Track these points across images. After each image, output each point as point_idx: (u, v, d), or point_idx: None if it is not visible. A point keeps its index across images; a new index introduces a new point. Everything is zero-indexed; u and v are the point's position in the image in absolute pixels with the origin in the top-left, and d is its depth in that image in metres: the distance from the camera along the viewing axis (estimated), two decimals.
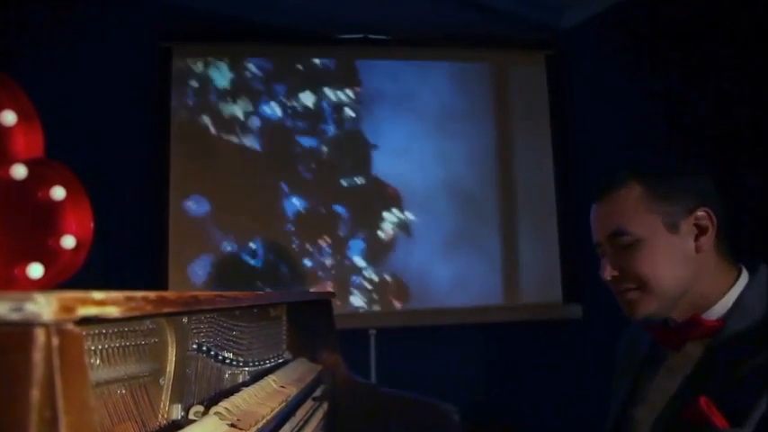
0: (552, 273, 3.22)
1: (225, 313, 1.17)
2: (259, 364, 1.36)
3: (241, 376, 1.25)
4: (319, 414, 1.42)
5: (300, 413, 1.27)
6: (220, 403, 0.98)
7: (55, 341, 0.43)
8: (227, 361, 1.17)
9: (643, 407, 1.19)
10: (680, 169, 1.20)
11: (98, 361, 0.74)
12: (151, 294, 0.56)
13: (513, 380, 3.07)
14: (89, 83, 2.68)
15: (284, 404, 1.17)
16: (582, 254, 3.12)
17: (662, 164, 1.23)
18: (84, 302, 0.46)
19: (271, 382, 1.24)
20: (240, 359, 1.24)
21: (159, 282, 2.75)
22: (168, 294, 0.59)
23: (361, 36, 3.14)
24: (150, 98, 2.90)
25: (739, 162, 2.36)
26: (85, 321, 0.47)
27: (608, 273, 1.16)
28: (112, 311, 0.49)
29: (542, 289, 3.20)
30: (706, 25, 2.51)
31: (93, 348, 0.72)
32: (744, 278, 1.14)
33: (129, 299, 0.52)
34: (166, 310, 0.60)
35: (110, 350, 0.76)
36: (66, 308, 0.44)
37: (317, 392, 1.49)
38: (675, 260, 1.12)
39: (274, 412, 1.09)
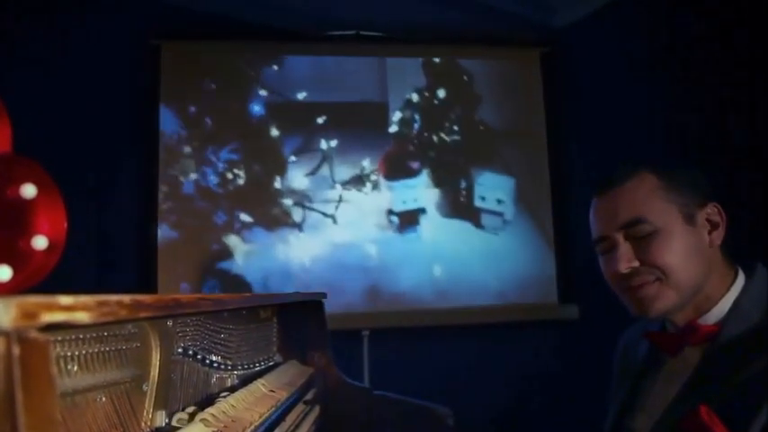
0: (548, 273, 3.19)
1: (212, 315, 1.13)
2: (248, 368, 1.32)
3: (229, 380, 1.21)
4: (310, 418, 1.39)
5: (291, 418, 1.24)
6: (206, 409, 0.95)
7: (16, 350, 0.40)
8: (215, 365, 1.14)
9: (641, 415, 1.16)
10: (688, 164, 1.18)
11: (75, 367, 0.70)
12: (126, 298, 0.53)
13: (508, 382, 3.04)
14: (78, 80, 2.64)
15: (274, 409, 1.14)
16: (578, 254, 3.10)
17: (670, 157, 1.20)
18: (50, 308, 0.43)
19: (260, 386, 1.21)
20: (228, 362, 1.20)
21: (149, 283, 2.71)
22: (145, 298, 0.56)
23: (353, 33, 3.11)
24: (139, 96, 2.86)
25: (737, 161, 2.34)
26: (53, 328, 0.43)
27: (625, 264, 1.10)
28: (82, 317, 0.46)
29: (538, 289, 3.18)
30: (702, 23, 2.49)
31: (69, 354, 0.69)
32: (740, 281, 1.11)
33: (101, 303, 0.48)
34: (144, 314, 0.56)
35: (88, 356, 0.72)
36: (29, 314, 0.41)
37: (309, 396, 1.46)
38: (693, 253, 1.09)
39: (263, 418, 1.06)
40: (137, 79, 2.85)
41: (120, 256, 2.73)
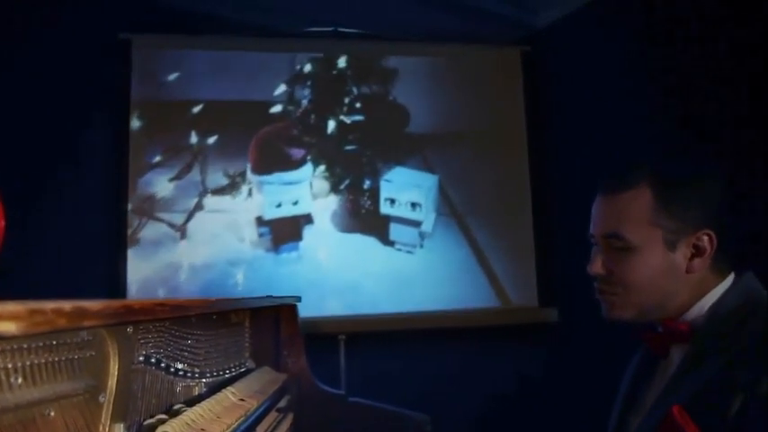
0: (528, 276, 3.16)
1: (178, 321, 1.08)
2: (217, 375, 1.27)
3: (196, 389, 1.16)
4: (283, 427, 1.34)
5: (262, 427, 1.19)
6: (168, 421, 0.89)
7: None
8: (181, 373, 1.08)
9: (636, 416, 1.16)
10: (695, 178, 1.13)
11: (19, 380, 0.64)
12: (66, 306, 0.47)
13: (488, 386, 3.00)
14: (45, 77, 2.56)
15: (243, 419, 1.09)
16: (558, 257, 3.08)
17: (678, 170, 1.16)
18: None
19: (229, 394, 1.16)
20: (195, 370, 1.15)
21: (117, 288, 2.62)
22: (90, 305, 0.51)
23: (331, 29, 3.02)
24: (110, 92, 2.77)
25: (724, 162, 2.34)
26: None
27: (596, 268, 1.14)
28: (9, 328, 0.41)
29: (518, 293, 3.14)
30: (684, 21, 2.48)
31: (11, 366, 0.63)
32: (725, 283, 1.10)
33: (34, 312, 0.43)
34: (88, 323, 0.51)
35: (34, 366, 0.67)
36: None
37: (282, 403, 1.41)
38: (662, 276, 1.09)
39: (230, 429, 1.01)
40: (106, 74, 2.76)
41: (91, 254, 2.63)
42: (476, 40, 3.28)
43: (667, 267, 1.09)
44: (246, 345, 1.53)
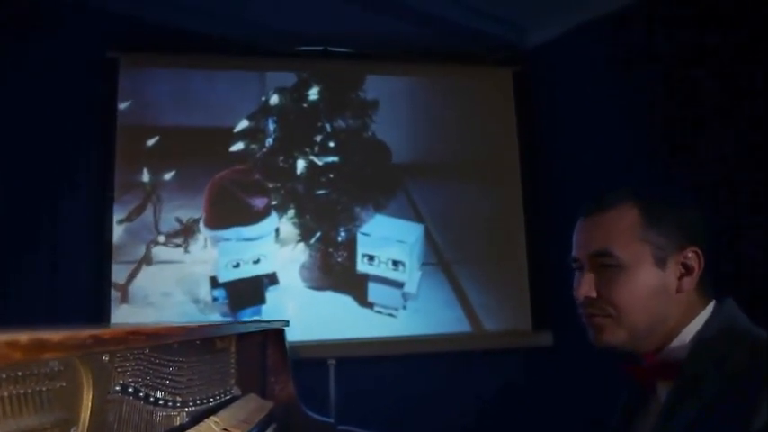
0: (521, 299, 3.11)
1: (159, 347, 1.03)
2: (201, 404, 1.22)
3: (178, 419, 1.11)
4: None
5: None
6: None
7: None
8: (161, 402, 1.04)
9: None
10: (677, 200, 1.13)
11: None
12: (23, 338, 0.43)
13: (481, 411, 2.95)
14: (32, 95, 2.52)
15: None
16: (551, 280, 3.04)
17: (661, 191, 1.15)
18: None
19: (212, 425, 1.11)
20: (177, 399, 1.10)
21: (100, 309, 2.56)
22: (50, 337, 0.47)
23: (320, 49, 2.99)
24: (96, 110, 2.73)
25: (704, 185, 2.33)
26: None
27: (584, 291, 1.09)
28: None
29: (511, 316, 3.09)
30: (675, 43, 2.49)
31: None
32: (706, 311, 1.07)
33: None
34: (49, 356, 0.47)
35: None
36: None
37: None
38: (654, 296, 1.06)
39: None
40: (93, 92, 2.72)
41: (74, 286, 2.56)
42: (465, 61, 3.27)
43: (658, 286, 1.06)
44: (232, 371, 1.48)
